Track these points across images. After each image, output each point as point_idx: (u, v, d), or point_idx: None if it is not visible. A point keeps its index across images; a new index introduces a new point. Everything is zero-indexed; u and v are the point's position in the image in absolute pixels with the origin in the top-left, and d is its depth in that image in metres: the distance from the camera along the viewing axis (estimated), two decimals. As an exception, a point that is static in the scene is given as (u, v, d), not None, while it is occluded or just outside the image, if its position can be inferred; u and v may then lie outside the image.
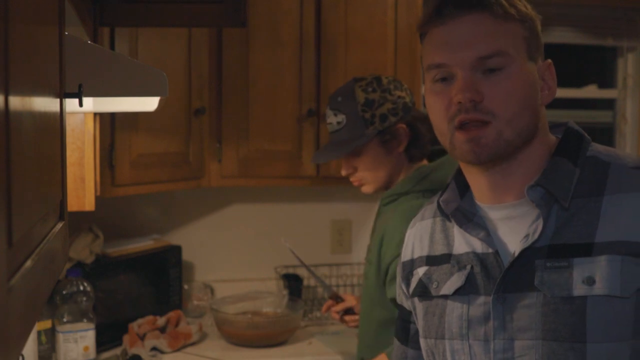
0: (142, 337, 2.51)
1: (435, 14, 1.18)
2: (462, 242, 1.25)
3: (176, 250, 2.84)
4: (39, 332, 2.30)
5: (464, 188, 1.28)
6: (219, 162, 2.69)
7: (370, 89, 2.03)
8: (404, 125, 2.02)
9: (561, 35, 3.49)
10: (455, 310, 1.23)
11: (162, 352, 2.51)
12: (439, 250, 1.30)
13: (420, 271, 1.32)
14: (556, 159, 1.18)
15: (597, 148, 1.21)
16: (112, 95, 1.41)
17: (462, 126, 1.15)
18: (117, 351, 2.50)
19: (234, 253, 3.11)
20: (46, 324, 2.33)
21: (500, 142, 1.14)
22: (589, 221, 1.13)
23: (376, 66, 2.74)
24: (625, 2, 3.50)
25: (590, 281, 1.10)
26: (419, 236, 1.36)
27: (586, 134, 1.24)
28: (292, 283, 2.93)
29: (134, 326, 2.53)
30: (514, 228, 1.19)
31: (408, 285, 1.35)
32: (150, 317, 2.60)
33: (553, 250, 1.14)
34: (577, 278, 1.11)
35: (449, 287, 1.24)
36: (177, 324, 2.62)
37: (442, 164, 2.01)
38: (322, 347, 2.60)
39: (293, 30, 2.69)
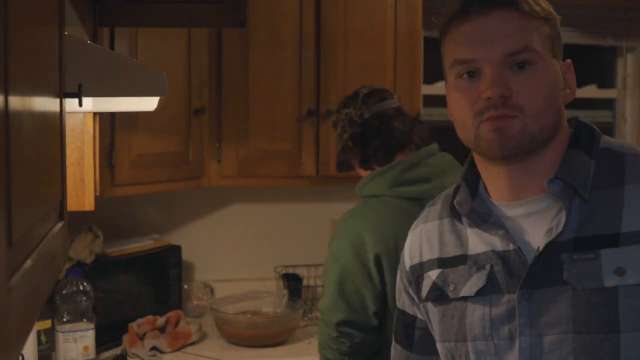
0: (142, 337, 2.51)
1: (462, 11, 1.18)
2: (479, 242, 1.24)
3: (176, 250, 2.84)
4: (39, 332, 2.29)
5: (473, 189, 1.26)
6: (219, 162, 2.69)
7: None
8: (350, 143, 2.16)
9: (561, 36, 3.49)
10: (476, 311, 1.21)
11: (162, 352, 2.51)
12: (452, 252, 1.27)
13: (433, 274, 1.29)
14: (571, 152, 1.18)
15: (608, 140, 1.22)
16: (112, 95, 1.41)
17: (490, 118, 1.15)
18: (117, 351, 2.50)
19: (234, 253, 3.11)
20: (46, 324, 2.33)
21: (525, 135, 1.14)
22: (613, 212, 1.13)
23: (376, 66, 2.74)
24: (625, 2, 3.50)
25: (621, 272, 1.10)
26: (427, 239, 1.33)
27: (597, 128, 1.24)
28: (292, 283, 2.93)
29: (134, 326, 2.53)
30: (535, 224, 1.19)
31: (419, 289, 1.32)
32: (150, 317, 2.60)
33: (579, 243, 1.13)
34: (606, 269, 1.11)
35: (470, 289, 1.22)
36: (177, 324, 2.62)
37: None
38: (322, 347, 2.60)
39: (293, 31, 2.69)
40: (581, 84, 3.55)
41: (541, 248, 1.14)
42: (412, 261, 1.35)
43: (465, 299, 1.23)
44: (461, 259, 1.26)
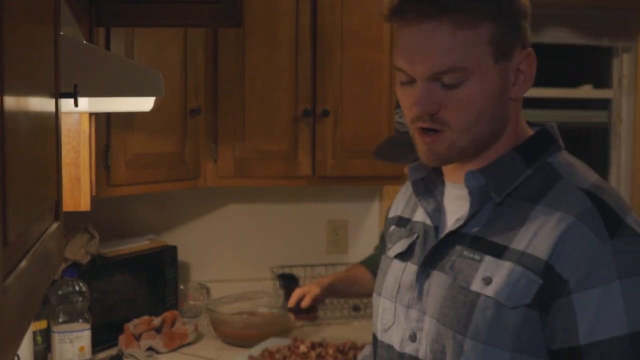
0: (138, 338, 2.51)
1: (398, 15, 1.16)
2: (421, 211, 1.30)
3: (172, 250, 2.84)
4: (34, 332, 2.29)
5: None
6: (215, 162, 2.68)
7: None
8: None
9: (557, 36, 3.50)
10: (393, 272, 1.31)
11: (157, 352, 2.50)
12: (407, 213, 1.36)
13: (390, 229, 1.40)
14: (510, 154, 1.19)
15: (561, 157, 1.20)
16: (108, 95, 1.41)
17: (421, 128, 1.18)
18: (113, 351, 2.50)
19: (230, 253, 3.11)
20: (42, 324, 2.33)
21: (452, 150, 1.17)
22: (514, 225, 1.14)
23: (372, 66, 2.74)
24: (621, 2, 3.51)
25: (487, 281, 1.13)
26: (402, 195, 1.43)
27: (561, 142, 1.23)
28: (288, 283, 2.93)
29: (130, 326, 2.53)
30: (459, 209, 1.22)
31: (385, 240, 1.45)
32: (146, 317, 2.60)
33: (475, 241, 1.17)
34: (479, 274, 1.14)
35: (394, 250, 1.32)
36: (172, 324, 2.61)
37: None
38: (318, 347, 2.60)
39: (289, 30, 2.69)
40: (577, 83, 3.59)
41: (442, 235, 1.22)
42: (390, 213, 1.45)
43: (391, 258, 1.33)
44: (406, 222, 1.35)
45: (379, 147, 2.24)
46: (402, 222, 1.36)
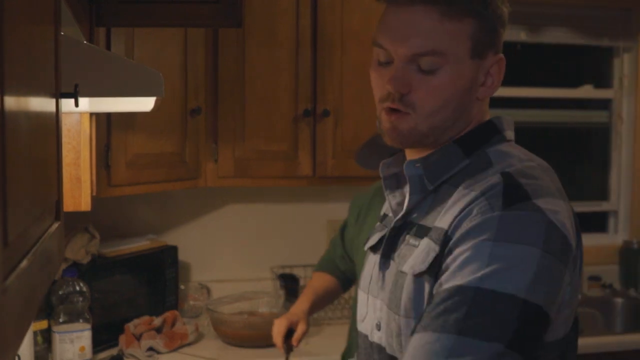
0: (138, 338, 2.51)
1: None
2: None
3: (172, 250, 2.84)
4: (35, 333, 2.29)
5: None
6: (215, 162, 2.68)
7: None
8: None
9: (557, 36, 3.50)
10: (367, 264, 1.35)
11: (158, 352, 2.51)
12: (386, 209, 1.41)
13: (375, 226, 1.43)
14: (450, 145, 1.23)
15: (501, 147, 1.22)
16: (108, 95, 1.41)
17: (388, 108, 1.22)
18: (114, 351, 2.50)
19: (230, 253, 3.11)
20: (42, 324, 2.33)
21: (414, 133, 1.21)
22: (441, 207, 1.19)
23: (372, 66, 2.74)
24: (621, 2, 3.51)
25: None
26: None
27: (508, 133, 1.26)
28: (288, 283, 2.93)
29: (130, 326, 2.53)
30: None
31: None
32: (146, 318, 2.60)
33: (418, 229, 1.22)
34: (412, 257, 1.18)
35: (368, 243, 1.37)
36: (173, 324, 2.61)
37: None
38: (319, 348, 2.60)
39: (289, 30, 2.69)
40: (577, 83, 3.59)
41: (391, 225, 1.27)
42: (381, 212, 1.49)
43: (367, 251, 1.38)
44: (384, 217, 1.40)
45: (362, 151, 2.22)
46: (383, 218, 1.42)
